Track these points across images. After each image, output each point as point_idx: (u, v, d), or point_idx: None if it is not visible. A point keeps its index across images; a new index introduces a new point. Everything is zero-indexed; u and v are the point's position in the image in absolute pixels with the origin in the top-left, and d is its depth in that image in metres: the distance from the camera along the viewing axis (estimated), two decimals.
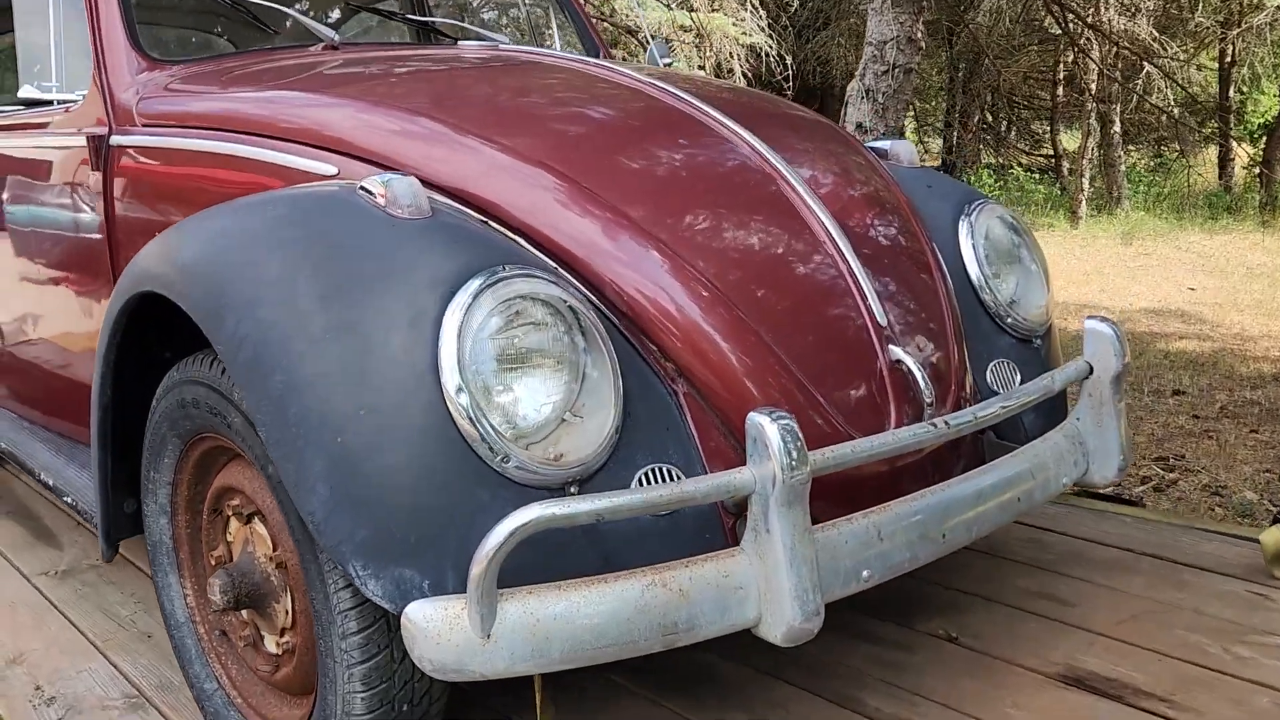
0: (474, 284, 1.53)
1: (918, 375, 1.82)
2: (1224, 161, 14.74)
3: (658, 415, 1.68)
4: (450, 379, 1.48)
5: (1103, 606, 2.43)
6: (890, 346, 1.84)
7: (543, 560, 1.49)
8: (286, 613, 1.77)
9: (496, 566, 1.38)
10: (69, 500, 2.47)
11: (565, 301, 1.59)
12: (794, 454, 1.46)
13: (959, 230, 2.27)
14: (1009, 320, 2.24)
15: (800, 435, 1.47)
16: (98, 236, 2.51)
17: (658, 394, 1.70)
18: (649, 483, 1.61)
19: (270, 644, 1.86)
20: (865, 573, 1.61)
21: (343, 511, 1.45)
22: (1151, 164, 16.66)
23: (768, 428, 1.47)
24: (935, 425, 1.66)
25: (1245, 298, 7.72)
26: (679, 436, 1.68)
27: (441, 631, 1.40)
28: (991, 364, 2.18)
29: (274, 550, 1.76)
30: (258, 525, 1.80)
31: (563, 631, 1.41)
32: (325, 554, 1.52)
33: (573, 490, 1.54)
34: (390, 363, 1.49)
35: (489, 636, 1.40)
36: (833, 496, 1.69)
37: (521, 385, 1.56)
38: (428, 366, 1.49)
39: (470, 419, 1.47)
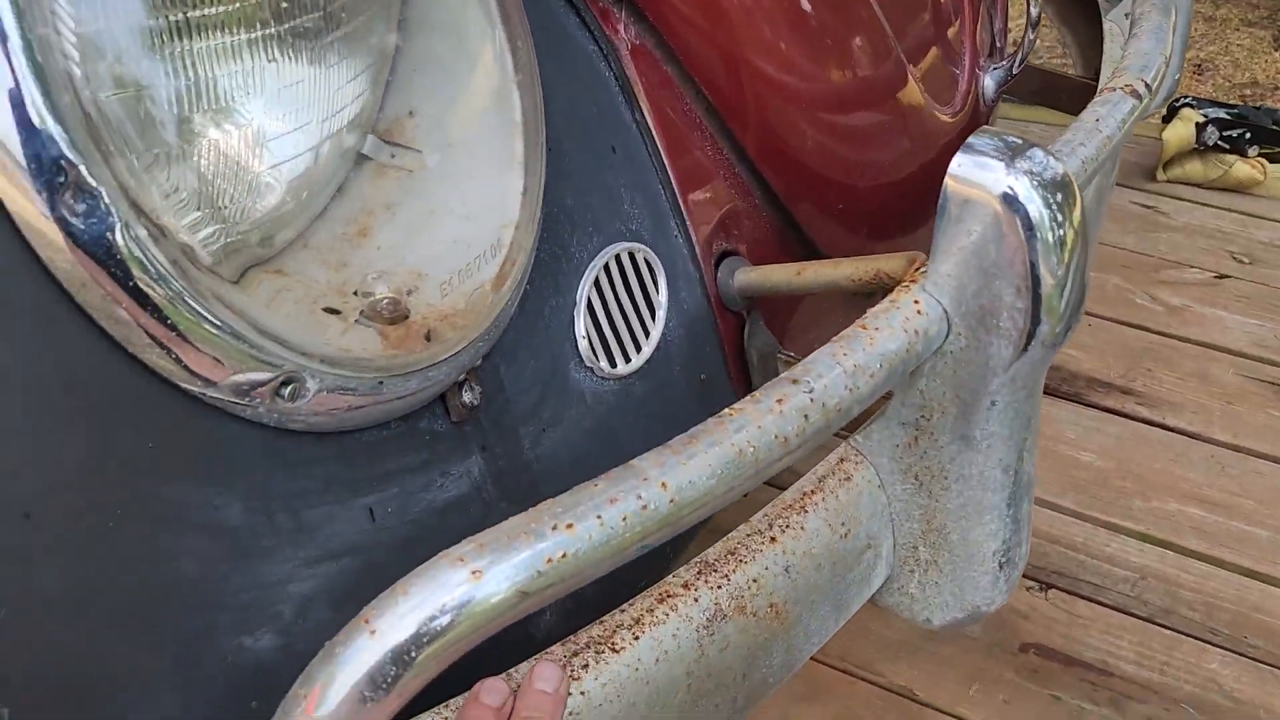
0: None
1: None
2: None
3: (590, 116, 0.67)
4: None
5: None
6: None
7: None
8: None
9: None
10: None
11: None
12: (1071, 262, 0.56)
13: None
14: None
15: (1076, 196, 0.57)
16: None
17: (583, 58, 0.67)
18: (610, 295, 0.65)
19: None
20: None
21: None
22: None
23: (1000, 186, 0.54)
24: (1139, 94, 0.80)
25: None
26: (635, 165, 0.69)
27: None
28: None
29: None
30: None
31: None
32: None
33: (468, 398, 0.55)
34: None
35: None
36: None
37: (242, 81, 0.48)
38: None
39: (81, 223, 0.40)
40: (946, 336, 0.58)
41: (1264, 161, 1.97)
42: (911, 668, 1.18)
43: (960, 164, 0.55)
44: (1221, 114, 1.97)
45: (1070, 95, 1.23)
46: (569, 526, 0.43)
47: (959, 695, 1.15)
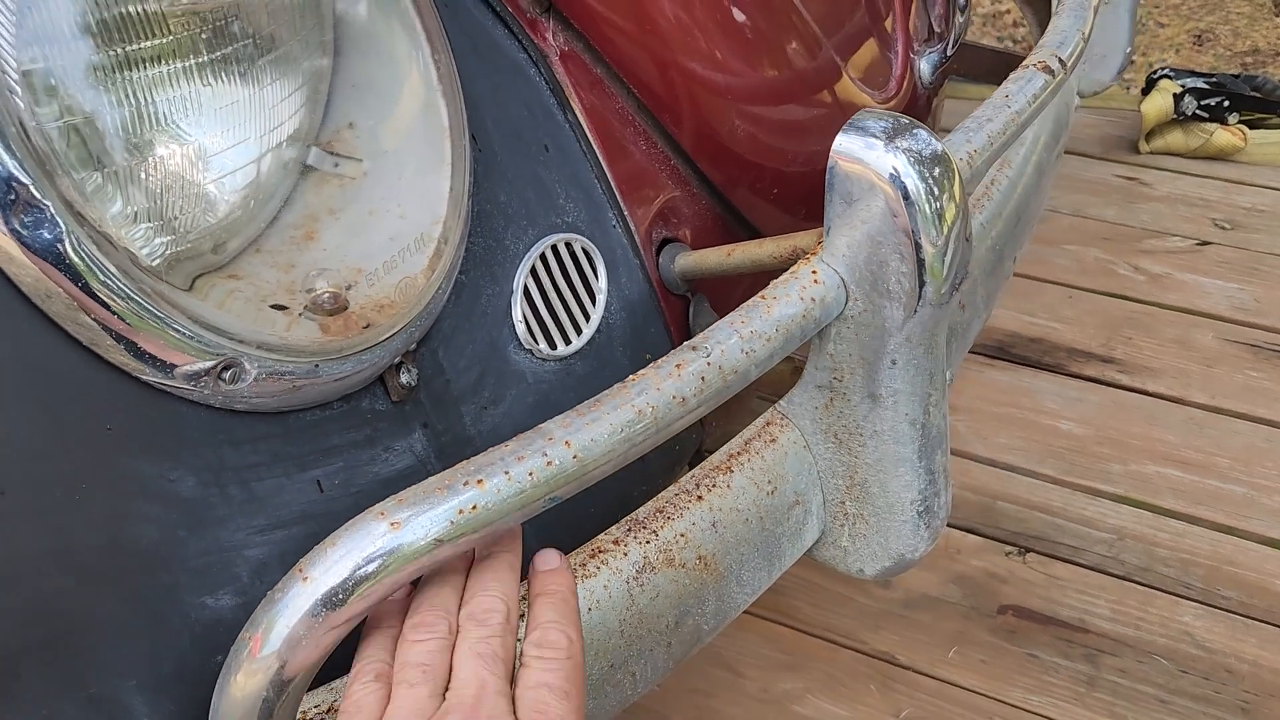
0: None
1: None
2: None
3: (521, 118, 0.73)
4: None
5: None
6: None
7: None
8: None
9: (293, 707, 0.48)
10: None
11: None
12: (951, 231, 0.61)
13: None
14: None
15: (953, 171, 0.62)
16: None
17: (511, 65, 0.73)
18: (547, 282, 0.71)
19: None
20: (949, 373, 0.86)
21: None
22: None
23: (881, 164, 0.59)
24: (1052, 70, 0.84)
25: None
26: (569, 162, 0.75)
27: None
28: None
29: None
30: None
31: None
32: None
33: (406, 379, 0.61)
34: None
35: None
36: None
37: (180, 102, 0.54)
38: None
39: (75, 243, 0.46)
40: (846, 302, 0.63)
41: (1244, 128, 1.99)
42: (892, 634, 1.23)
43: (842, 143, 0.61)
44: (1199, 84, 2.00)
45: None
46: (479, 482, 0.49)
47: (938, 658, 1.20)
